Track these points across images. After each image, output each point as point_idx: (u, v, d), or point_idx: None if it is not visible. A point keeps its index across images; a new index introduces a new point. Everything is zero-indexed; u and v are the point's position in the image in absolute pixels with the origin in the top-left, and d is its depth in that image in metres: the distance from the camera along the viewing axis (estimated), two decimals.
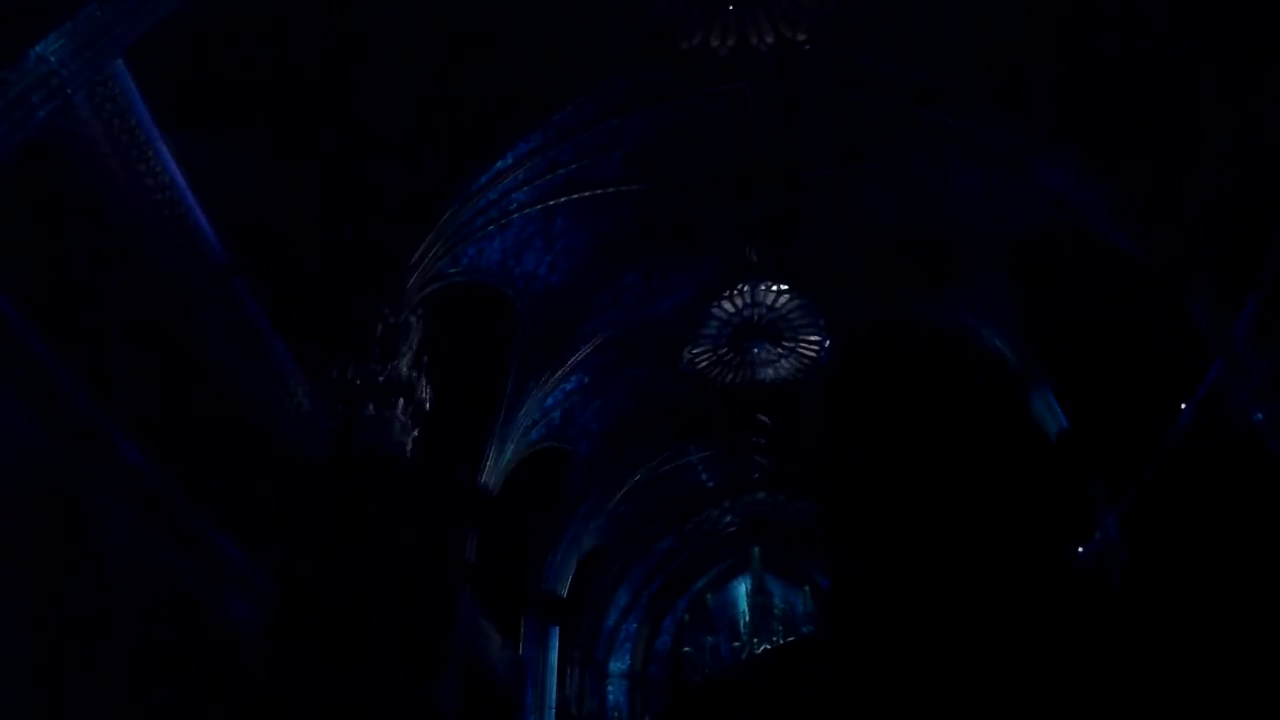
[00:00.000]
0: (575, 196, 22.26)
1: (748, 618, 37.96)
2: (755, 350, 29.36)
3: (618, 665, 37.35)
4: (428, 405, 18.83)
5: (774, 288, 27.56)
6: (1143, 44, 16.08)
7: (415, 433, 18.79)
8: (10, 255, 9.53)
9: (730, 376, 30.43)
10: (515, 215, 21.53)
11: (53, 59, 9.67)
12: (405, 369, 18.83)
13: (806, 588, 38.03)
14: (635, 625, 38.29)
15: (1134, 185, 17.11)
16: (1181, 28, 15.49)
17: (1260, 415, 14.82)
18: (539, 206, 21.86)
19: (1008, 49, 17.55)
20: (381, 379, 18.16)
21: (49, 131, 10.10)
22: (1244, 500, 15.37)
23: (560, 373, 26.26)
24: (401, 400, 18.38)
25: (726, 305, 28.01)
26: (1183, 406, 17.38)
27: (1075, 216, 18.80)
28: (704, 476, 34.56)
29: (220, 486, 13.37)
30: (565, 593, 30.69)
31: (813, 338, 29.10)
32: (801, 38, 19.38)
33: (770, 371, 30.35)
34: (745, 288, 27.52)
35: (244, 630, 14.07)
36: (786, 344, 29.43)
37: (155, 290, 12.57)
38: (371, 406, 18.00)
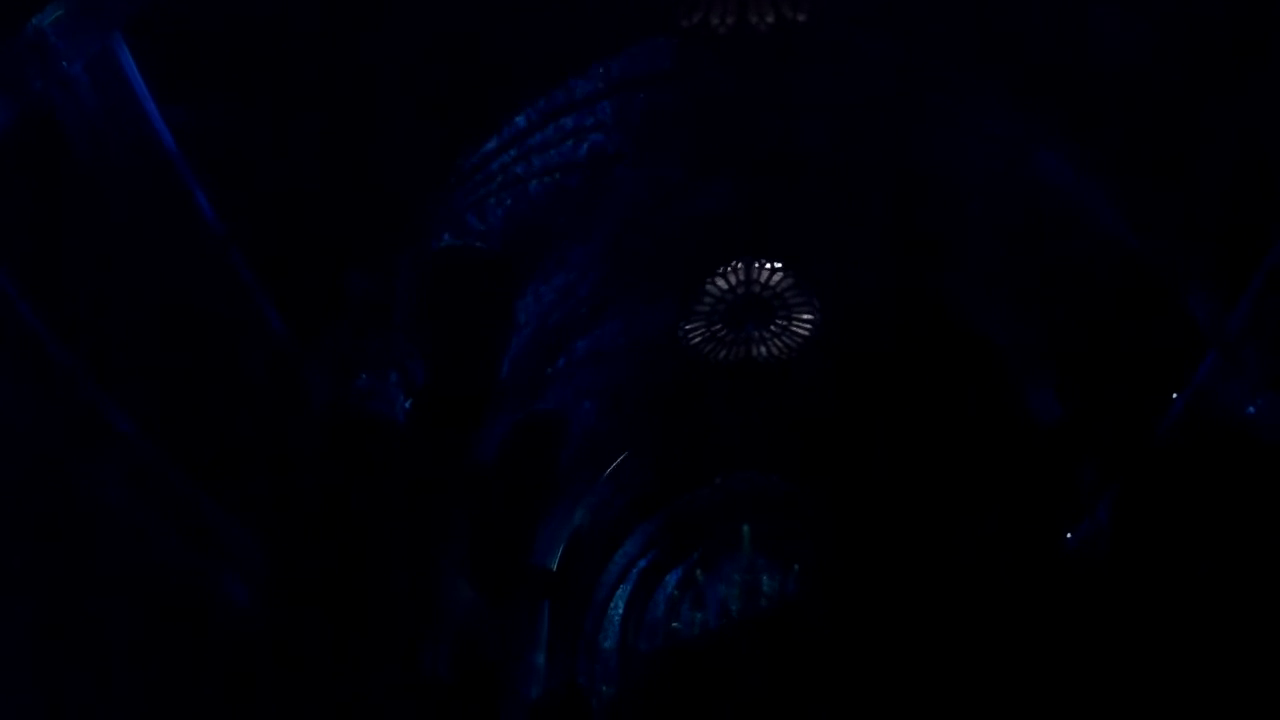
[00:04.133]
0: (575, 171, 22.19)
1: (737, 595, 38.17)
2: (749, 327, 29.48)
3: (607, 639, 37.49)
4: (421, 376, 18.81)
5: (768, 265, 27.62)
6: (1145, 35, 16.04)
7: (408, 404, 18.78)
8: (5, 227, 9.49)
9: (724, 353, 30.50)
10: (517, 187, 21.44)
11: (50, 31, 9.61)
12: (400, 340, 18.79)
13: (796, 566, 38.14)
14: (625, 600, 38.40)
15: (1133, 176, 17.12)
16: (1185, 19, 15.46)
17: (1253, 409, 14.87)
18: (541, 179, 21.78)
19: (1011, 37, 17.50)
20: (375, 350, 18.13)
21: (45, 104, 10.05)
22: (1235, 493, 15.45)
23: (557, 344, 26.25)
24: (395, 372, 18.36)
25: (720, 282, 28.07)
26: (1174, 397, 17.44)
27: (1073, 205, 18.82)
28: (696, 453, 34.55)
29: (214, 459, 13.39)
30: (556, 566, 30.79)
31: (806, 316, 29.17)
32: (802, 18, 19.32)
33: (764, 349, 30.44)
34: (739, 265, 27.58)
35: (238, 604, 14.12)
36: (780, 322, 29.51)
37: (150, 262, 12.55)
38: (365, 377, 17.98)
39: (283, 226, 16.20)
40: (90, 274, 11.13)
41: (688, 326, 29.30)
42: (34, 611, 9.62)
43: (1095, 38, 16.60)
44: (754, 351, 30.51)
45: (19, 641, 9.32)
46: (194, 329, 13.46)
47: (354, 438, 16.89)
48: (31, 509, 9.73)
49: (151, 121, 11.77)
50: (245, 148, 16.10)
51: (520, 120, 19.75)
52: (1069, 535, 21.45)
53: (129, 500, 11.34)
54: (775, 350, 30.46)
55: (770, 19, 19.45)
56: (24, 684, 9.35)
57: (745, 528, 38.11)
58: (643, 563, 38.51)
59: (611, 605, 37.80)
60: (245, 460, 14.41)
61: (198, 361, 13.41)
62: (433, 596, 22.04)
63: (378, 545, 16.87)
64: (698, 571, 39.79)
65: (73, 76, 10.32)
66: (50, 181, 10.65)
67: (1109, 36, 16.44)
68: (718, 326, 29.55)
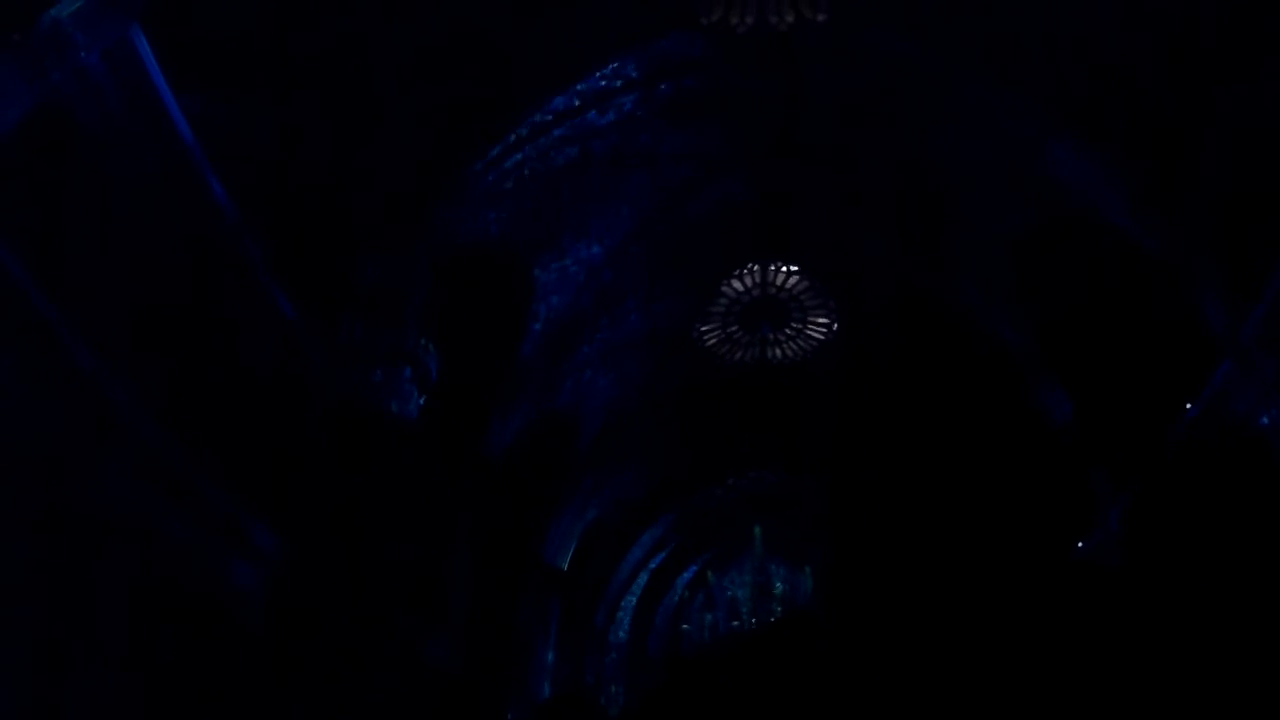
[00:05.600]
0: (592, 167, 22.20)
1: (747, 597, 38.11)
2: (764, 329, 29.47)
3: (616, 639, 37.50)
4: (435, 372, 18.86)
5: (784, 268, 27.63)
6: (1163, 36, 15.97)
7: (422, 399, 18.83)
8: (19, 215, 9.52)
9: (739, 355, 30.50)
10: (534, 182, 21.44)
11: (67, 23, 9.66)
12: (414, 335, 18.85)
13: (807, 568, 38.06)
14: (635, 600, 38.40)
15: (1149, 179, 17.04)
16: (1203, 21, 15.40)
17: (1266, 419, 14.76)
18: (560, 174, 21.78)
19: (1024, 37, 17.46)
20: (389, 344, 18.19)
21: (62, 94, 10.09)
22: (1248, 503, 15.34)
23: (572, 341, 26.26)
24: (409, 367, 18.42)
25: (736, 284, 28.08)
26: (1188, 406, 17.31)
27: (1088, 207, 18.76)
28: (709, 454, 34.52)
29: (224, 449, 13.38)
30: (567, 564, 30.80)
31: (821, 319, 29.15)
32: (821, 18, 19.30)
33: (779, 351, 30.42)
34: (755, 267, 27.58)
35: (246, 594, 14.13)
36: (795, 324, 29.50)
37: (164, 252, 12.57)
38: (379, 372, 18.04)
39: (297, 218, 16.23)
40: (103, 264, 11.16)
41: (703, 328, 29.35)
42: (38, 604, 9.64)
43: (1108, 36, 16.53)
44: (769, 353, 30.50)
45: (20, 626, 9.35)
46: (206, 319, 13.47)
47: (367, 434, 16.92)
48: (36, 499, 9.75)
49: (169, 112, 11.78)
50: (261, 139, 16.15)
51: (539, 115, 19.78)
52: (1080, 543, 21.38)
53: (137, 491, 11.37)
54: (790, 352, 30.47)
55: (790, 18, 19.44)
56: (25, 668, 9.37)
57: (757, 529, 38.03)
58: (654, 562, 38.50)
59: (622, 604, 37.82)
60: (256, 454, 14.41)
61: (209, 352, 13.42)
62: (443, 592, 22.08)
63: (388, 541, 16.91)
64: (709, 572, 39.80)
65: (90, 67, 10.36)
66: (65, 171, 10.69)
67: (1121, 35, 16.38)
68: (733, 328, 29.58)
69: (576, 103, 20.16)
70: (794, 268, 27.59)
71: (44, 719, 9.59)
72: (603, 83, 20.13)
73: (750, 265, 27.49)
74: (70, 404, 10.25)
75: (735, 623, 37.96)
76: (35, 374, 9.57)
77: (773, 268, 27.61)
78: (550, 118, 20.03)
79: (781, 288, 28.22)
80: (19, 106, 9.37)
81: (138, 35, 11.00)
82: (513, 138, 19.58)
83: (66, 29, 9.72)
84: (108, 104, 10.92)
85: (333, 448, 16.36)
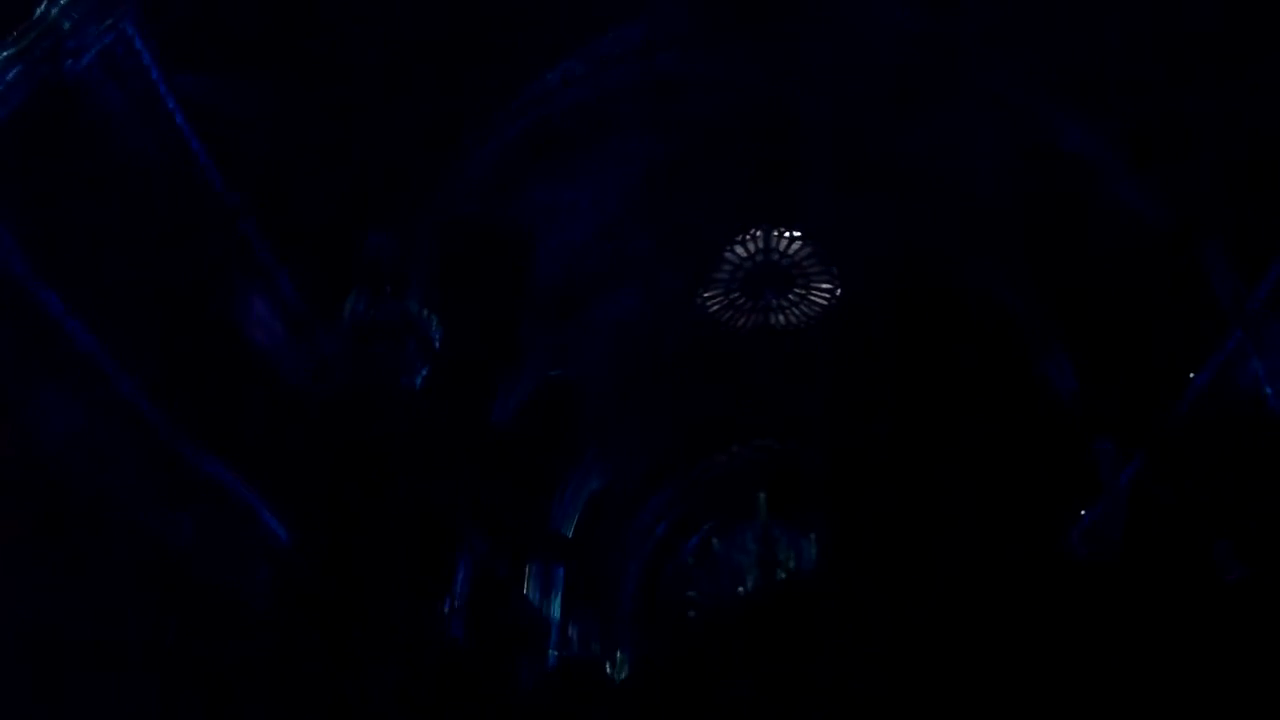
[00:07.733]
0: (593, 137, 22.11)
1: (752, 563, 38.09)
2: (768, 296, 29.40)
3: (622, 605, 37.55)
4: (438, 342, 18.86)
5: (787, 234, 27.52)
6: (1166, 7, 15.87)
7: (425, 371, 18.84)
8: (19, 205, 9.50)
9: (742, 321, 30.44)
10: (538, 150, 21.35)
11: (64, 6, 9.61)
12: (417, 307, 18.84)
13: (812, 534, 38.04)
14: (640, 567, 38.46)
15: (1157, 151, 16.93)
16: None
17: (1270, 390, 14.72)
18: (563, 141, 21.68)
19: (1028, 3, 17.37)
20: (393, 317, 18.18)
21: (58, 79, 10.03)
22: (1255, 472, 15.32)
23: (575, 308, 26.24)
24: (413, 339, 18.42)
25: (739, 250, 27.98)
26: (1191, 376, 17.27)
27: (1096, 178, 18.64)
28: (713, 421, 34.51)
29: (228, 428, 13.41)
30: (572, 533, 30.86)
31: (824, 285, 29.06)
32: None
33: (782, 317, 30.36)
34: (758, 233, 27.47)
35: (255, 572, 14.20)
36: (798, 290, 29.42)
37: (163, 233, 12.54)
38: (382, 344, 18.04)
39: (298, 194, 16.19)
40: (100, 246, 11.13)
41: (706, 294, 29.28)
42: (39, 584, 9.68)
43: (1112, 6, 16.44)
44: (772, 320, 30.44)
45: (25, 609, 9.40)
46: (206, 299, 13.48)
47: (371, 406, 16.95)
48: (36, 481, 9.79)
49: (163, 96, 11.74)
50: (262, 115, 16.10)
51: (540, 84, 19.68)
52: (1084, 511, 21.39)
53: (142, 477, 11.42)
54: (793, 319, 30.38)
55: None
56: (31, 656, 9.43)
57: (761, 496, 37.95)
58: (659, 529, 38.55)
59: (627, 571, 37.86)
60: (261, 431, 14.44)
61: (211, 331, 13.45)
62: (450, 562, 22.18)
63: (395, 512, 16.97)
64: (714, 539, 39.77)
65: (85, 48, 10.30)
66: (64, 160, 10.63)
67: (1125, 5, 16.29)
68: (736, 294, 29.49)
69: (579, 71, 20.05)
70: (797, 234, 27.46)
71: (57, 706, 9.69)
72: (606, 51, 20.02)
73: (753, 231, 27.36)
74: (71, 388, 10.28)
75: (740, 589, 37.96)
76: (39, 366, 9.59)
77: (776, 233, 27.48)
78: (553, 86, 19.94)
79: (785, 253, 28.11)
80: (17, 91, 9.33)
81: (133, 19, 10.94)
82: (515, 105, 19.50)
83: (63, 12, 9.67)
84: (103, 88, 10.86)
85: (337, 421, 16.39)
